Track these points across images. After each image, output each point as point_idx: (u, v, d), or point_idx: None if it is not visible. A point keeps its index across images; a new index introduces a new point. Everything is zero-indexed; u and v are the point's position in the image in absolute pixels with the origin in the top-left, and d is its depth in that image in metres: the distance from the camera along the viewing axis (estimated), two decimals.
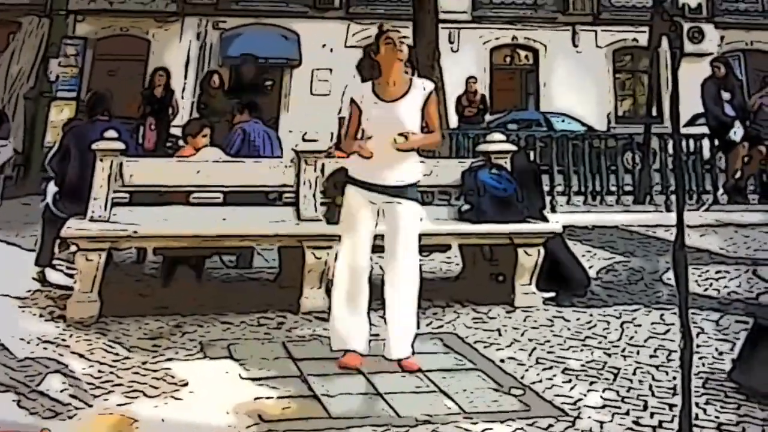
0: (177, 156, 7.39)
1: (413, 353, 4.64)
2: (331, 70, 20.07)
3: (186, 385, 4.24)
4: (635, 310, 5.95)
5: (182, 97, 16.34)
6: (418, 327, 4.78)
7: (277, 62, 21.17)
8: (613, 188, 11.07)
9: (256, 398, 4.07)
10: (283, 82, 21.37)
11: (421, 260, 4.84)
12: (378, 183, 4.62)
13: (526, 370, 4.60)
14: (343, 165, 4.86)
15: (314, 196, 6.18)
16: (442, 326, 5.46)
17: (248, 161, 6.78)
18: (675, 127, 3.77)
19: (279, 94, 21.05)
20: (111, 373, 4.42)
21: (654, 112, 13.06)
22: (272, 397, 4.08)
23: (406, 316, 4.64)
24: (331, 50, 20.54)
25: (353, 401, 4.09)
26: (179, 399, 4.09)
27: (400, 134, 4.53)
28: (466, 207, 6.30)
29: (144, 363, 4.58)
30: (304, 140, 6.54)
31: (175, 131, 11.60)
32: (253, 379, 4.32)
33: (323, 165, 6.26)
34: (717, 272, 7.41)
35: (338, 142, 10.39)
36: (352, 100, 4.72)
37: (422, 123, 4.70)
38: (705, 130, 11.93)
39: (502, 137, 7.01)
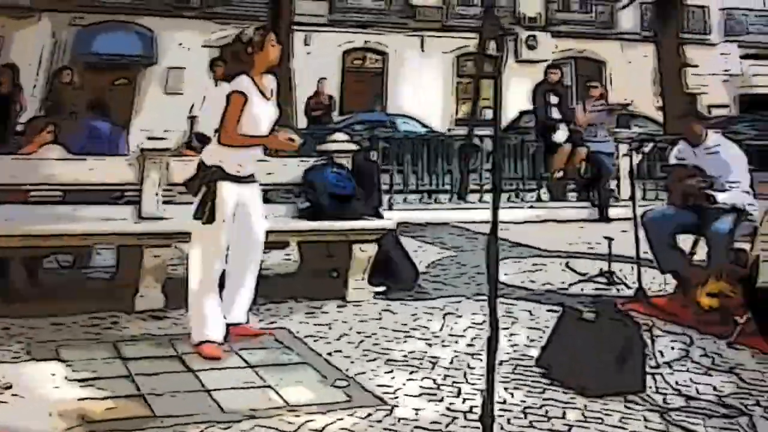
0: (20, 153, 6.99)
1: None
2: (185, 68, 19.59)
3: (9, 387, 3.99)
4: (458, 302, 6.05)
5: (33, 95, 15.50)
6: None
7: (133, 60, 20.49)
8: (448, 186, 11.32)
9: (80, 399, 3.88)
10: (137, 80, 20.71)
11: None
12: (243, 175, 4.74)
13: (352, 363, 4.59)
14: (206, 161, 4.71)
15: (157, 194, 6.01)
16: (275, 322, 5.38)
17: (89, 158, 6.47)
18: (495, 128, 3.91)
19: (133, 92, 20.39)
20: None
21: (489, 115, 13.46)
22: (97, 398, 3.89)
23: (250, 288, 4.93)
24: (189, 49, 20.03)
25: (180, 399, 3.94)
26: (3, 402, 3.85)
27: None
28: (305, 205, 6.24)
29: None
30: (149, 139, 6.36)
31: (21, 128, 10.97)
32: (79, 381, 4.11)
33: (168, 164, 6.08)
34: (534, 265, 7.68)
35: (189, 141, 10.13)
36: (240, 92, 4.58)
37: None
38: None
39: (345, 137, 7.03)
